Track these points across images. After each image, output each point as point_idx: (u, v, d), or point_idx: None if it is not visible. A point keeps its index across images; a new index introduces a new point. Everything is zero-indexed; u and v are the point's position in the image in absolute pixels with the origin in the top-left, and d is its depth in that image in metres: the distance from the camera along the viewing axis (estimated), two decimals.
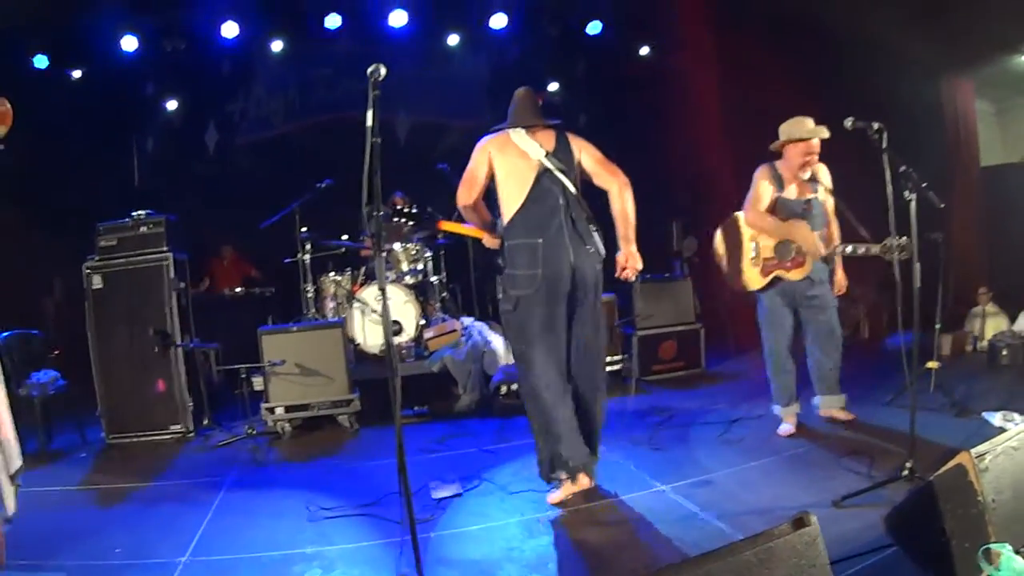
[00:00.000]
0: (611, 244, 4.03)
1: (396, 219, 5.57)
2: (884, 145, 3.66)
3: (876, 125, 3.67)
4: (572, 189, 3.92)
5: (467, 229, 4.44)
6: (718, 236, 5.20)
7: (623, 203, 3.96)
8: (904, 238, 3.87)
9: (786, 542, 2.18)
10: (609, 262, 4.01)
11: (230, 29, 8.17)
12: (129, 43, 8.03)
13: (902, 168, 3.63)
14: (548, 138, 3.99)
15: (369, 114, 2.95)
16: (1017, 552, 2.49)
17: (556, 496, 3.90)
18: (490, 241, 4.17)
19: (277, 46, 8.73)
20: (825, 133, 4.64)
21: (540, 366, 3.84)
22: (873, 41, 9.01)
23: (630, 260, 3.99)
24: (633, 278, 4.05)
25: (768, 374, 5.06)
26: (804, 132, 4.65)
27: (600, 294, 4.00)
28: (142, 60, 8.23)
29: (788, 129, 4.75)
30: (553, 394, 3.83)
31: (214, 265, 8.77)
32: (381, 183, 2.92)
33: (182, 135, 9.17)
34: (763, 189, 4.83)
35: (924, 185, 3.66)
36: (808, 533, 2.23)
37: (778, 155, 4.87)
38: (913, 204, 3.64)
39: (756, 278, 4.95)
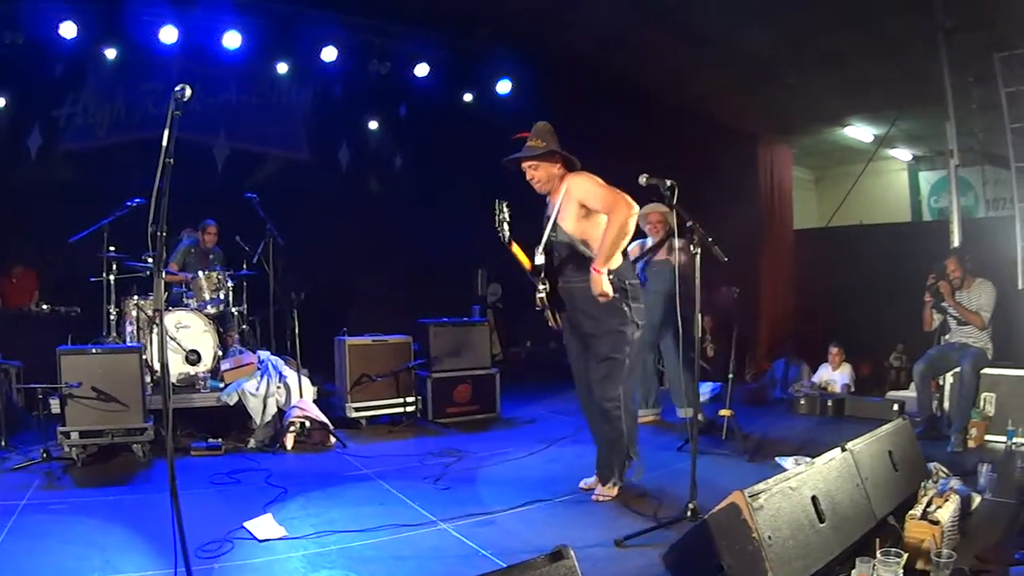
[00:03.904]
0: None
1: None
2: (674, 201, 3.90)
3: (668, 182, 3.90)
4: None
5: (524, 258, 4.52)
6: None
7: None
8: None
9: (542, 574, 2.22)
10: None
11: (68, 30, 7.70)
12: None
13: (688, 223, 3.88)
14: None
15: (166, 134, 2.90)
16: None
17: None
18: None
19: (111, 54, 8.31)
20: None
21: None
22: (696, 107, 9.61)
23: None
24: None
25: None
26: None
27: None
28: None
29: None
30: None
31: (3, 284, 8.19)
32: (197, 208, 2.86)
33: (4, 136, 8.55)
34: None
35: (710, 240, 3.94)
36: (564, 566, 2.27)
37: None
38: (697, 258, 3.90)
39: None
